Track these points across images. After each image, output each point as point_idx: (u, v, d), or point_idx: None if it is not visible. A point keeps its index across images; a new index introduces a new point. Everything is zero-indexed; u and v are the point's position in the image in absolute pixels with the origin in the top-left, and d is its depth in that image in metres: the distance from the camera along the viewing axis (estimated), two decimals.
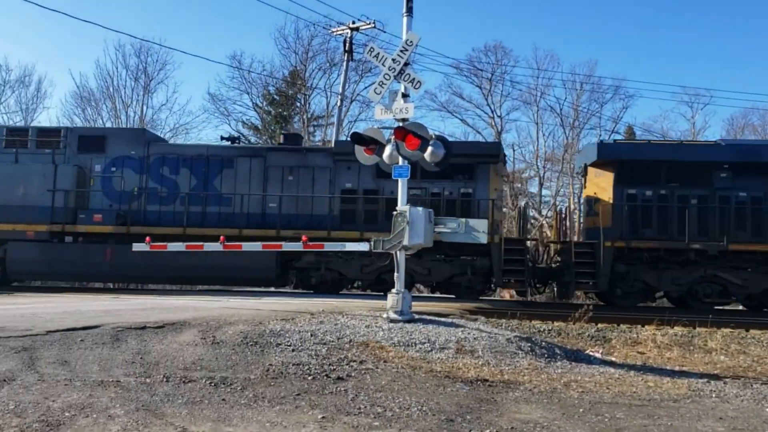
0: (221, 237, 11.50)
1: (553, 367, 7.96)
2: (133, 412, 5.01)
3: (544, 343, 9.27)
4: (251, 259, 15.12)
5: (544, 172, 39.77)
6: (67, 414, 4.87)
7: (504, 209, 17.89)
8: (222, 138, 18.85)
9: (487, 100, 40.42)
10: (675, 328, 11.35)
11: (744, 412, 6.14)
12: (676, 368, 8.65)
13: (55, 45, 62.80)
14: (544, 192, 39.46)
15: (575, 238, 19.49)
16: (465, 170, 16.40)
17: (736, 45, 67.14)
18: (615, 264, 15.68)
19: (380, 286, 16.06)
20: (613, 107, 47.53)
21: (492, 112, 40.08)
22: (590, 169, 17.13)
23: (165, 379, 6.02)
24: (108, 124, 36.01)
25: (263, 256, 15.21)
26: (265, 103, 38.60)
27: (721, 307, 16.09)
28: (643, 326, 11.56)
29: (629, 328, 11.58)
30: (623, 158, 16.38)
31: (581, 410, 5.94)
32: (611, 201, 16.20)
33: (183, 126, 39.36)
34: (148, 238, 11.47)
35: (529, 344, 8.77)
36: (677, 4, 69.06)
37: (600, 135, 38.78)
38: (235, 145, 18.29)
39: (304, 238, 10.61)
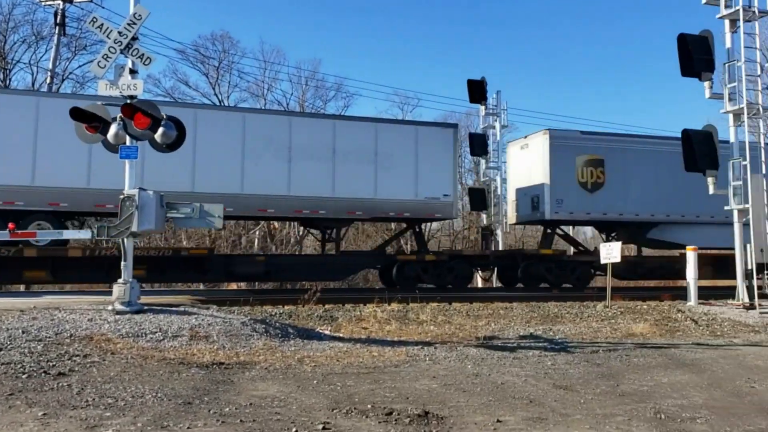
0: None
1: (286, 346, 8.24)
2: None
3: (278, 324, 9.54)
4: None
5: None
6: None
7: None
8: None
9: (214, 89, 39.53)
10: (392, 304, 12.45)
11: (452, 371, 7.07)
12: (395, 339, 9.53)
13: None
14: None
15: None
16: None
17: (442, 53, 75.34)
18: None
19: None
20: (336, 105, 49.85)
21: (219, 102, 39.27)
22: None
23: None
24: None
25: None
26: None
27: (424, 286, 18.03)
28: (365, 305, 12.48)
29: (353, 306, 12.39)
30: None
31: (315, 382, 6.30)
32: None
33: None
34: None
35: (264, 326, 8.95)
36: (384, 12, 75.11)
37: None
38: None
39: (11, 225, 9.40)
